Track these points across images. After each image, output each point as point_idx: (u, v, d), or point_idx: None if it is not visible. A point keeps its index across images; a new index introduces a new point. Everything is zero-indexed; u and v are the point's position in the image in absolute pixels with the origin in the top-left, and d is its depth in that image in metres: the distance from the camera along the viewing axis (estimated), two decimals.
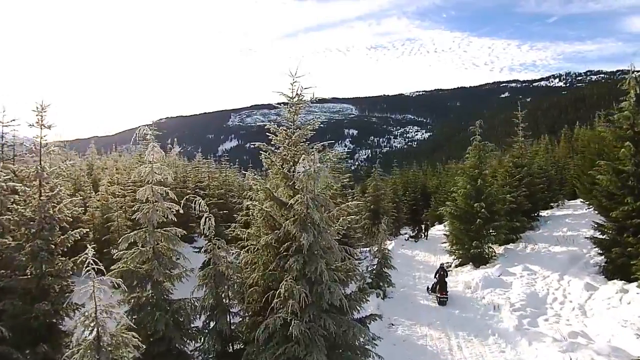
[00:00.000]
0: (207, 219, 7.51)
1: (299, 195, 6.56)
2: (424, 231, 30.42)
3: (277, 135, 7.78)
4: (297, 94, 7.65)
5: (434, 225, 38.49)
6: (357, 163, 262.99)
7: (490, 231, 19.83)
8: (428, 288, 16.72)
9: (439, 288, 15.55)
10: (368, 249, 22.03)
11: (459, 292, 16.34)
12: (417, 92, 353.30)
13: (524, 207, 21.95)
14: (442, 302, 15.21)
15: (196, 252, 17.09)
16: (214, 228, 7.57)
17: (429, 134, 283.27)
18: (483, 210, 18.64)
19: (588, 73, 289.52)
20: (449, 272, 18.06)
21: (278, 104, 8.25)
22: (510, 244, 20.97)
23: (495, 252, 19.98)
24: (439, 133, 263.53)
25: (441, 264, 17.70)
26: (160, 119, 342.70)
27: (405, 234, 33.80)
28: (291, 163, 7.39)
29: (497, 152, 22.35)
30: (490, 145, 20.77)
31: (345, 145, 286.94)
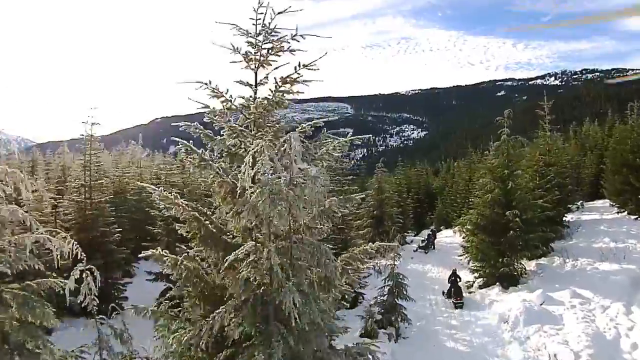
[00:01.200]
0: (85, 281, 3.81)
1: (255, 242, 2.83)
2: (433, 240, 26.39)
3: (209, 107, 4.02)
4: (264, 27, 3.94)
5: (440, 230, 34.63)
6: (352, 162, 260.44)
7: (520, 244, 16.29)
8: (443, 292, 16.23)
9: (454, 292, 15.35)
10: (373, 265, 18.42)
11: (492, 326, 12.75)
12: (412, 90, 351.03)
13: (558, 214, 18.44)
14: (458, 306, 14.89)
15: (151, 280, 13.33)
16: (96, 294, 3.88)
17: (424, 132, 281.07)
18: (517, 219, 15.04)
19: (584, 71, 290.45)
20: (471, 293, 16.24)
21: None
22: (542, 258, 17.48)
23: (525, 268, 16.47)
24: (435, 132, 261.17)
25: (453, 270, 16.68)
26: (156, 118, 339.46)
27: (411, 241, 29.44)
28: (248, 162, 3.61)
29: (526, 148, 18.79)
30: (522, 140, 17.22)
31: None
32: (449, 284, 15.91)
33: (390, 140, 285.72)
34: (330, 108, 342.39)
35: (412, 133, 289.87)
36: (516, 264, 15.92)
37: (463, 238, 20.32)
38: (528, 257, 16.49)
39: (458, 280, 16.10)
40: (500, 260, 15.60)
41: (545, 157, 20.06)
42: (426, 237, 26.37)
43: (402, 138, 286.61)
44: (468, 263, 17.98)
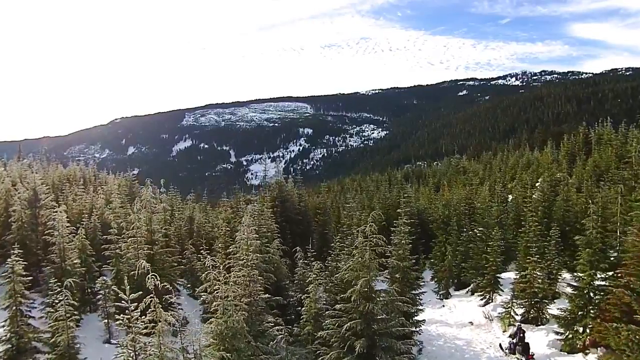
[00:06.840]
0: None
1: None
2: None
3: None
4: None
5: (448, 297, 22.66)
6: (312, 162, 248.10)
7: None
8: (500, 345, 14.48)
9: (523, 349, 13.14)
10: None
11: None
12: (373, 90, 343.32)
13: None
14: None
15: None
16: None
17: (385, 132, 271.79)
18: None
19: (542, 73, 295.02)
20: None
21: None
22: None
23: None
24: (395, 131, 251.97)
25: (518, 325, 13.91)
26: (115, 119, 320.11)
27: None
28: None
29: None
30: None
31: (300, 145, 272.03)
32: (515, 340, 13.55)
33: (350, 140, 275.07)
34: (289, 108, 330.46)
35: (373, 133, 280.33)
36: None
37: None
38: None
39: (524, 337, 13.54)
40: None
41: None
42: None
43: (362, 138, 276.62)
44: None
